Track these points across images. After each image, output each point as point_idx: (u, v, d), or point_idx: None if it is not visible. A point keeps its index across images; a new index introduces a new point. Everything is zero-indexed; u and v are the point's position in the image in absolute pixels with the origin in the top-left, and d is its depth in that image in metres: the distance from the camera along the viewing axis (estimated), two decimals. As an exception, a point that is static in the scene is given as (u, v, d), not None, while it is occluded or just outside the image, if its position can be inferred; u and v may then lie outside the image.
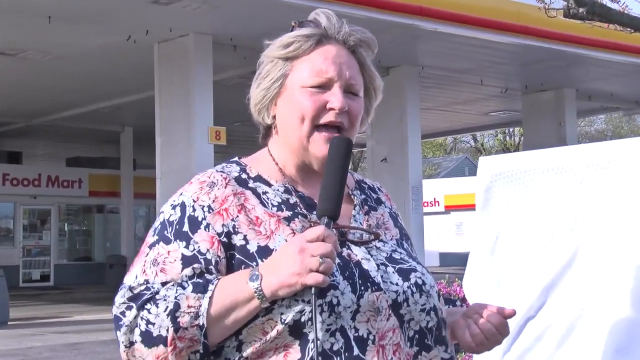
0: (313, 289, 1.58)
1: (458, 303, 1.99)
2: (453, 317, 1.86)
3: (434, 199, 36.53)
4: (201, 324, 1.59)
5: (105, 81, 17.35)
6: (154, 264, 1.68)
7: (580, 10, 5.54)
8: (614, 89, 20.07)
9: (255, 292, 1.60)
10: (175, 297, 1.60)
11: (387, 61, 16.09)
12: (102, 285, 24.60)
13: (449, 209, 36.88)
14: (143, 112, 19.20)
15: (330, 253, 1.57)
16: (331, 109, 1.76)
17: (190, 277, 1.65)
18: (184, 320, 1.59)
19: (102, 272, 25.66)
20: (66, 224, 27.58)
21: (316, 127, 1.77)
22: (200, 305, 1.59)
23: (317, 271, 1.56)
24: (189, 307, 1.59)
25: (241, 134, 19.15)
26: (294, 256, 1.58)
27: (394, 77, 16.63)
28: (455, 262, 32.28)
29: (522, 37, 14.87)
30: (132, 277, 1.69)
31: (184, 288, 1.61)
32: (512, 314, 1.82)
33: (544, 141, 18.38)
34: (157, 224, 1.75)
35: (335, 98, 1.76)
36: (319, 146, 1.76)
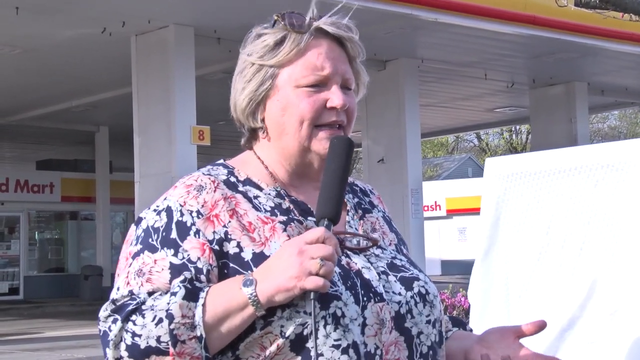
0: (312, 294, 1.58)
1: (469, 327, 1.99)
2: (465, 342, 1.87)
3: (435, 202, 36.59)
4: (199, 334, 1.59)
5: (79, 77, 17.31)
6: (139, 275, 1.67)
7: (593, -2, 5.56)
8: (628, 83, 20.13)
9: (250, 299, 1.59)
10: (167, 307, 1.59)
11: (384, 54, 16.10)
12: (77, 299, 24.57)
13: (451, 213, 36.94)
14: (120, 111, 19.18)
15: (331, 256, 1.57)
16: (332, 107, 1.77)
17: (181, 284, 1.64)
18: (179, 332, 1.58)
19: (76, 284, 25.60)
20: (37, 232, 27.47)
21: (316, 126, 1.77)
22: (194, 315, 1.59)
23: (317, 275, 1.56)
24: (183, 316, 1.58)
25: (226, 133, 19.12)
26: (291, 259, 1.57)
27: (391, 71, 16.65)
28: (458, 270, 32.34)
29: (530, 27, 14.90)
30: (115, 290, 1.69)
31: (174, 295, 1.60)
32: (537, 329, 1.82)
33: (554, 139, 18.42)
34: (139, 231, 1.74)
35: (335, 96, 1.77)
36: (323, 143, 1.77)
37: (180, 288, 1.61)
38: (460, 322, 1.97)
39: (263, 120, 1.82)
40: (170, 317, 1.58)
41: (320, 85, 1.77)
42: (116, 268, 1.77)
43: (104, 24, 13.45)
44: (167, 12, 13.28)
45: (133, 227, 1.78)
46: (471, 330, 1.99)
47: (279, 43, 1.77)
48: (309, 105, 1.76)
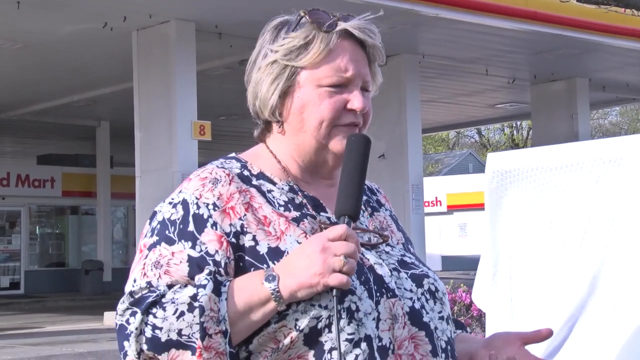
0: (335, 290, 1.59)
1: (468, 330, 2.01)
2: (470, 344, 1.89)
3: (436, 198, 36.56)
4: (224, 329, 1.59)
5: (80, 72, 17.30)
6: (156, 267, 1.67)
7: (595, -6, 5.55)
8: (629, 79, 20.12)
9: (272, 294, 1.60)
10: (191, 300, 1.59)
11: (385, 50, 15.79)
12: (77, 293, 24.56)
13: (451, 208, 36.92)
14: (121, 106, 19.16)
15: (353, 253, 1.59)
16: (352, 109, 1.79)
17: (208, 277, 1.64)
18: (208, 325, 1.58)
19: (77, 278, 25.60)
20: (37, 227, 27.47)
21: (334, 126, 1.79)
22: (219, 309, 1.59)
23: (340, 271, 1.58)
24: (211, 310, 1.59)
25: (227, 128, 19.11)
26: (314, 255, 1.59)
27: (393, 66, 16.63)
28: (459, 265, 32.35)
29: (532, 23, 14.89)
30: (131, 282, 1.68)
31: (203, 288, 1.60)
32: (544, 337, 1.85)
33: (555, 135, 18.41)
34: (154, 223, 1.74)
35: (356, 99, 1.79)
36: (341, 141, 1.78)
37: (209, 281, 1.61)
38: (462, 325, 1.98)
39: (281, 114, 1.82)
40: (201, 309, 1.58)
41: (341, 86, 1.79)
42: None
43: (105, 18, 13.44)
44: (168, 7, 13.27)
45: (148, 221, 1.78)
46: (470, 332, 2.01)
47: (308, 43, 1.78)
48: (330, 105, 1.77)
